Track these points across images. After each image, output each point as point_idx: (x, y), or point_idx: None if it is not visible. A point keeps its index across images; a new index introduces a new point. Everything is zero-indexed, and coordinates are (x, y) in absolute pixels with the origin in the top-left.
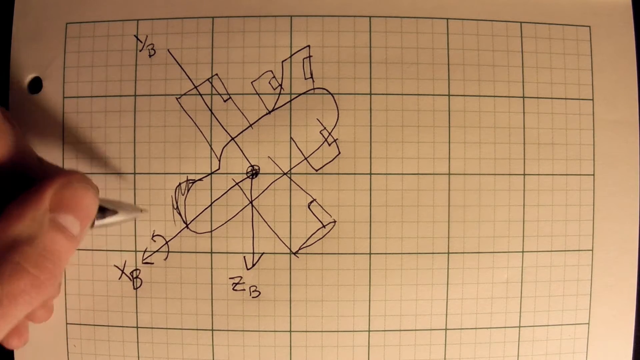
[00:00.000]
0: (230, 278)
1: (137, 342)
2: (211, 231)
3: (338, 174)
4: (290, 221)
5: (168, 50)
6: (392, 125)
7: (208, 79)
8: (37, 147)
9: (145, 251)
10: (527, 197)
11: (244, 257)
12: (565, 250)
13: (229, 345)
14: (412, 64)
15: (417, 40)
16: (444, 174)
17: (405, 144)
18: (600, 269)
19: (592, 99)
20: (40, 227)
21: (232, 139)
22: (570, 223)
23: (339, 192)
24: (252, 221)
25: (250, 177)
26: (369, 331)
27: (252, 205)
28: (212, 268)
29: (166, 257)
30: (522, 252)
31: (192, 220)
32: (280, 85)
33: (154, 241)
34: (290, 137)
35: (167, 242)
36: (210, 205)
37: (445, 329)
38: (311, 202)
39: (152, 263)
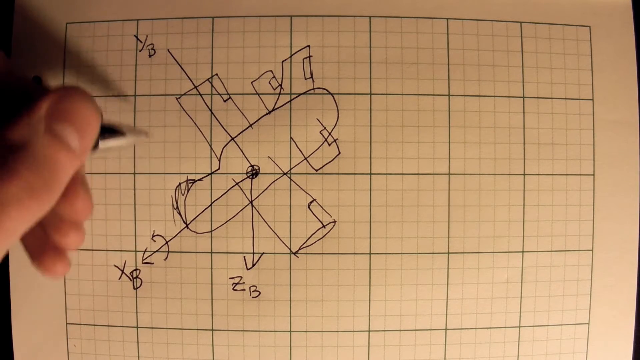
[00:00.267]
0: (230, 278)
1: (137, 342)
2: (211, 231)
3: (338, 174)
4: (290, 221)
5: (168, 50)
6: (392, 125)
7: (208, 79)
8: None
9: (145, 251)
10: (527, 197)
11: (244, 257)
12: (565, 250)
13: (229, 345)
14: (412, 64)
15: (417, 40)
16: (444, 174)
17: (405, 144)
18: (600, 269)
19: (592, 99)
20: (35, 133)
21: (232, 139)
22: (570, 223)
23: (339, 192)
24: (252, 221)
25: (250, 177)
26: (369, 331)
27: (252, 205)
28: (212, 268)
29: (166, 257)
30: (522, 252)
31: (192, 220)
32: (280, 85)
33: (154, 241)
34: (290, 137)
35: (167, 242)
36: (210, 205)
37: (445, 329)
38: (311, 202)
39: (152, 263)
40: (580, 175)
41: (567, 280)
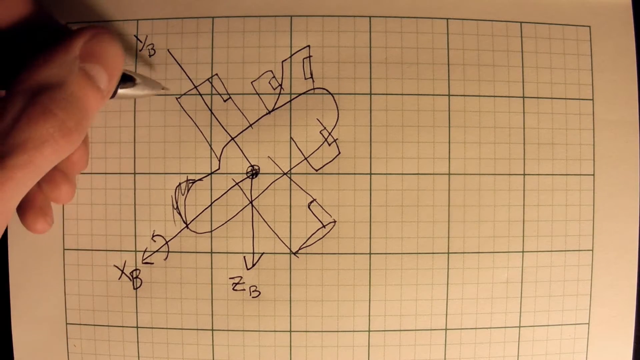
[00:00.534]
0: (230, 278)
1: (137, 342)
2: (211, 231)
3: (338, 174)
4: (290, 221)
5: (168, 50)
6: (392, 125)
7: (208, 79)
8: None
9: (145, 251)
10: (527, 197)
11: (244, 257)
12: (565, 250)
13: (229, 345)
14: (412, 64)
15: (417, 40)
16: (444, 174)
17: (405, 144)
18: (600, 269)
19: (592, 99)
20: (69, 73)
21: (232, 139)
22: (570, 223)
23: (339, 192)
24: (252, 221)
25: (250, 177)
26: (369, 331)
27: (252, 205)
28: (212, 268)
29: (166, 257)
30: (522, 252)
31: (192, 220)
32: (280, 85)
33: (154, 241)
34: (290, 137)
35: (167, 242)
36: (210, 205)
37: (445, 329)
38: (311, 202)
39: (152, 263)
40: (580, 175)
41: (567, 280)
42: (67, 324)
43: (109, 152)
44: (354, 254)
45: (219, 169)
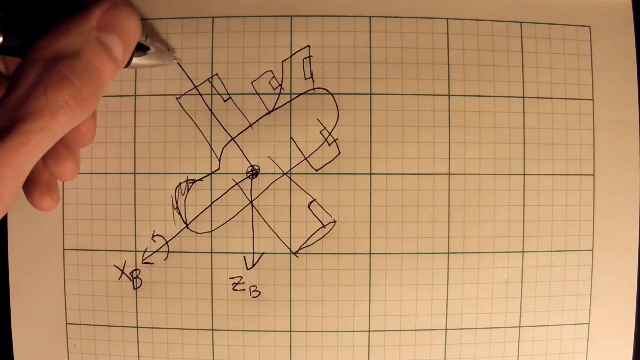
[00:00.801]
0: (230, 278)
1: (137, 342)
2: (211, 231)
3: (338, 174)
4: (290, 221)
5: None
6: (392, 125)
7: (208, 79)
8: None
9: (145, 251)
10: (527, 197)
11: (244, 257)
12: (565, 250)
13: (229, 345)
14: (412, 64)
15: (417, 40)
16: (444, 174)
17: (405, 144)
18: (600, 269)
19: (592, 99)
20: (86, 42)
21: (232, 139)
22: (570, 223)
23: (339, 192)
24: (252, 221)
25: (250, 177)
26: (369, 331)
27: (252, 205)
28: (212, 268)
29: (166, 257)
30: (522, 252)
31: (192, 220)
32: (280, 85)
33: (154, 241)
34: (290, 137)
35: (167, 242)
36: (210, 205)
37: (445, 329)
38: (311, 202)
39: (152, 263)
40: (580, 175)
41: (567, 280)
42: (67, 324)
43: (109, 152)
44: (354, 254)
45: (219, 169)
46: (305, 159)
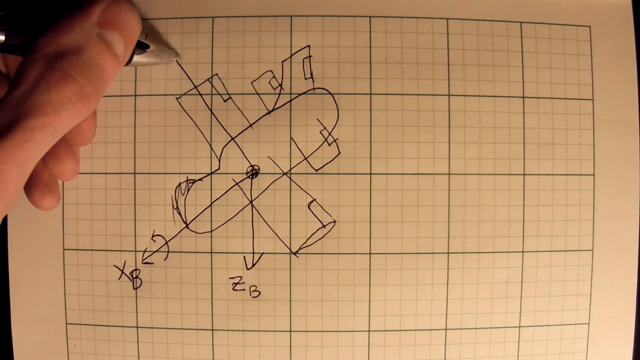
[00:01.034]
0: (230, 278)
1: (137, 342)
2: (211, 231)
3: (338, 174)
4: (290, 221)
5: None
6: (392, 125)
7: (208, 79)
8: None
9: (145, 251)
10: (527, 197)
11: (244, 257)
12: (565, 250)
13: (229, 345)
14: (412, 64)
15: (417, 40)
16: (444, 174)
17: (405, 144)
18: (600, 269)
19: (592, 99)
20: (88, 39)
21: (232, 139)
22: (570, 223)
23: (339, 192)
24: (252, 221)
25: (250, 177)
26: (369, 331)
27: (252, 205)
28: (212, 268)
29: (166, 257)
30: (522, 252)
31: (192, 220)
32: (280, 85)
33: (154, 241)
34: (290, 137)
35: (167, 242)
36: (210, 205)
37: (445, 329)
38: (311, 202)
39: (152, 263)
40: (580, 175)
41: (567, 280)
42: (67, 324)
43: (109, 152)
44: (354, 254)
45: (219, 169)
46: (305, 159)
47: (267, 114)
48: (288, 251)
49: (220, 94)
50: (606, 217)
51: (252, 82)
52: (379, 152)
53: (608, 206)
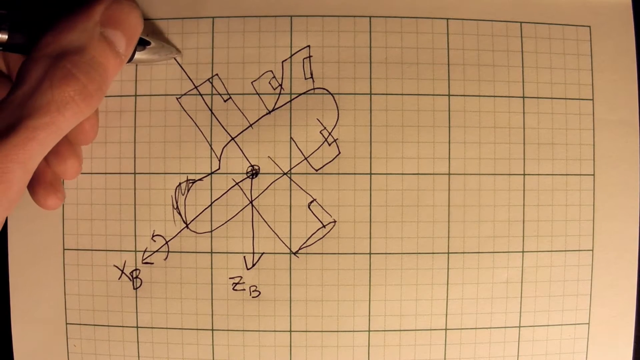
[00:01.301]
0: (230, 278)
1: (137, 342)
2: (211, 231)
3: (338, 174)
4: (290, 221)
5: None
6: (392, 125)
7: (208, 79)
8: None
9: (145, 251)
10: (527, 197)
11: (244, 257)
12: (565, 250)
13: (229, 345)
14: (412, 64)
15: (417, 40)
16: (444, 174)
17: (405, 144)
18: (600, 269)
19: (592, 99)
20: (90, 38)
21: (232, 139)
22: (570, 223)
23: (339, 192)
24: (252, 221)
25: (250, 177)
26: (369, 331)
27: (252, 205)
28: (212, 268)
29: (166, 257)
30: (522, 252)
31: (192, 220)
32: (281, 85)
33: (154, 241)
34: (290, 137)
35: (167, 242)
36: (210, 205)
37: (445, 329)
38: (311, 202)
39: (152, 263)
40: (580, 175)
41: (567, 280)
42: (67, 324)
43: (109, 152)
44: (354, 254)
45: (219, 169)
46: (305, 159)
47: (267, 114)
48: (288, 251)
49: (220, 94)
50: (606, 217)
51: (252, 82)
52: (379, 152)
53: (608, 206)
